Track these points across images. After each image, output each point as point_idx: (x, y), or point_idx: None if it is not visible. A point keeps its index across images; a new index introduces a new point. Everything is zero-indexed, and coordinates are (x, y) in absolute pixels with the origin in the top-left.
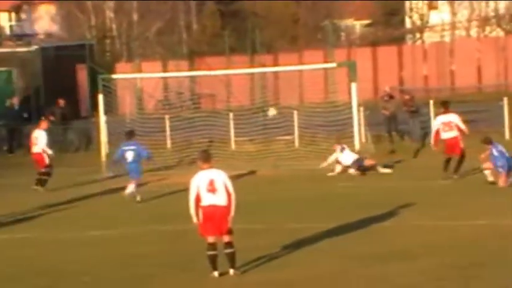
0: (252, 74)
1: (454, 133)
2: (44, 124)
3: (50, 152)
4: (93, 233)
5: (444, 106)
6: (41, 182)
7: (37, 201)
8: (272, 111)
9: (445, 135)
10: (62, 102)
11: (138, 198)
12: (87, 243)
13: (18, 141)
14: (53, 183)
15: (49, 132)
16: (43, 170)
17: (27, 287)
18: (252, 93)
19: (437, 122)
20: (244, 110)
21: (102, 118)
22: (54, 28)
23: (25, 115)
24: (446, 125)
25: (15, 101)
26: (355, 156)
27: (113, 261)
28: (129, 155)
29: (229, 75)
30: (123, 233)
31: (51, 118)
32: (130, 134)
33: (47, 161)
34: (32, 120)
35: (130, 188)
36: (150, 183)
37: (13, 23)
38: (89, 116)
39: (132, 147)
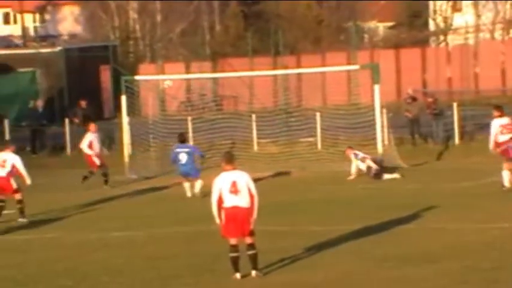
0: (275, 75)
1: (509, 136)
2: (92, 127)
3: (89, 152)
4: (118, 234)
5: (500, 110)
6: (106, 181)
7: (61, 202)
8: (168, 83)
9: (501, 138)
10: (83, 103)
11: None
12: (112, 245)
13: (41, 142)
14: (75, 184)
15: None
16: (102, 170)
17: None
18: (275, 95)
19: (495, 125)
20: (267, 111)
21: (125, 119)
22: (77, 29)
23: (44, 122)
24: (504, 128)
25: (40, 103)
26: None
27: (137, 262)
28: (183, 157)
29: (252, 76)
30: (148, 234)
31: (76, 120)
32: (182, 136)
33: (97, 162)
34: (55, 121)
35: (199, 185)
36: (174, 186)
37: (37, 24)
38: (112, 117)
39: (186, 149)
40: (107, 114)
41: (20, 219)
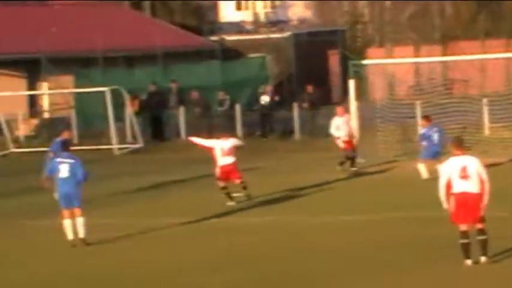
0: (509, 58)
1: None
2: (339, 110)
3: (336, 135)
4: (344, 217)
5: None
6: (342, 163)
7: (287, 184)
8: (265, 98)
9: None
10: (310, 88)
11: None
12: (336, 228)
13: (270, 126)
14: (303, 167)
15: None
16: (347, 154)
17: (266, 270)
18: (508, 78)
19: None
20: (499, 95)
21: (353, 104)
22: (307, 14)
23: (276, 98)
24: None
25: (269, 89)
26: None
27: (362, 247)
28: (436, 137)
29: (483, 60)
30: (375, 219)
31: (303, 105)
32: (428, 118)
33: (342, 146)
34: (284, 106)
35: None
36: (402, 169)
37: (268, 9)
38: (341, 101)
39: (436, 129)
40: (335, 98)
41: (243, 196)
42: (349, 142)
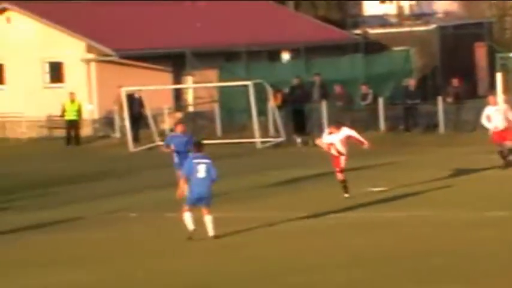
0: None
1: None
2: (491, 100)
3: (488, 126)
4: (489, 213)
5: None
6: (505, 156)
7: (427, 179)
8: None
9: None
10: (455, 81)
11: None
12: (485, 225)
13: (414, 120)
14: (447, 161)
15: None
16: (500, 148)
17: (419, 264)
18: None
19: None
20: None
21: (500, 97)
22: (453, 7)
23: (417, 101)
24: None
25: (412, 82)
26: None
27: (493, 244)
28: None
29: None
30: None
31: (448, 99)
32: None
33: (491, 136)
34: (427, 99)
35: None
36: None
37: (412, 2)
38: (487, 95)
39: None
40: (481, 92)
41: (346, 195)
42: (499, 134)
